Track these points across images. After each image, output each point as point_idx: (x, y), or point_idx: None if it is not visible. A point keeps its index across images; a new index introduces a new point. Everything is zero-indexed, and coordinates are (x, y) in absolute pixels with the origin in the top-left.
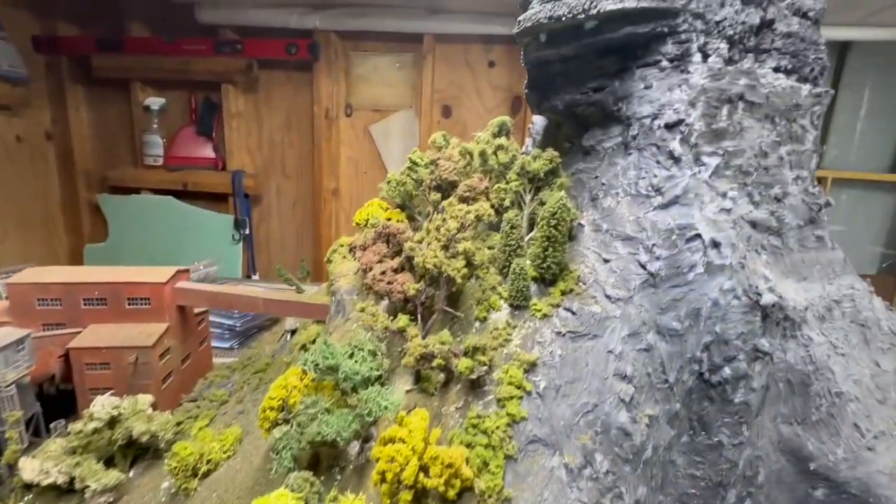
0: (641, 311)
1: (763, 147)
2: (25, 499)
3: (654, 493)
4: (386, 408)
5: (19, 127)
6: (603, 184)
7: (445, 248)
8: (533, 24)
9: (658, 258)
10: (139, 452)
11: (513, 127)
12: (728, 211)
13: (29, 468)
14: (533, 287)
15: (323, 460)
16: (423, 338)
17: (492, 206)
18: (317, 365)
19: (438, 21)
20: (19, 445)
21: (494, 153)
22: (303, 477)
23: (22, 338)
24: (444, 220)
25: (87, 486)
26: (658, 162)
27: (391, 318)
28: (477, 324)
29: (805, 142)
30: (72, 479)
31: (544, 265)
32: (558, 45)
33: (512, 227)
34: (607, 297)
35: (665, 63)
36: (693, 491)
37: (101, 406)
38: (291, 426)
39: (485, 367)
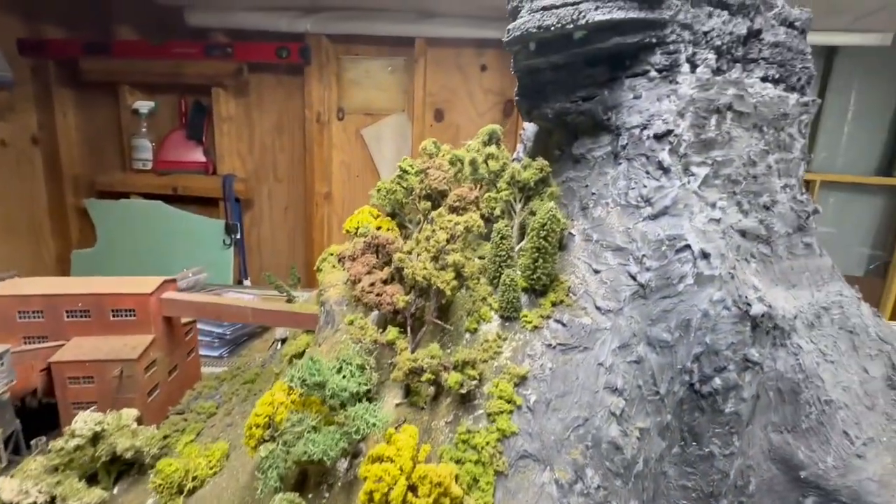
0: (632, 322)
1: (751, 156)
2: None
3: None
4: (374, 425)
5: (4, 131)
6: (593, 193)
7: (435, 259)
8: (522, 34)
9: (648, 269)
10: (124, 468)
11: (504, 134)
12: (717, 221)
13: (8, 488)
14: (523, 298)
15: (311, 477)
16: (413, 351)
17: (482, 216)
18: (303, 381)
19: (430, 25)
20: None
21: (485, 162)
22: (288, 499)
23: (0, 353)
24: (433, 231)
25: None
26: (647, 172)
27: (380, 330)
28: (467, 335)
29: (793, 150)
30: (53, 499)
31: (534, 276)
32: (548, 53)
33: (502, 238)
34: (597, 308)
35: (654, 73)
36: (685, 502)
37: (84, 422)
38: (278, 444)
39: (474, 382)
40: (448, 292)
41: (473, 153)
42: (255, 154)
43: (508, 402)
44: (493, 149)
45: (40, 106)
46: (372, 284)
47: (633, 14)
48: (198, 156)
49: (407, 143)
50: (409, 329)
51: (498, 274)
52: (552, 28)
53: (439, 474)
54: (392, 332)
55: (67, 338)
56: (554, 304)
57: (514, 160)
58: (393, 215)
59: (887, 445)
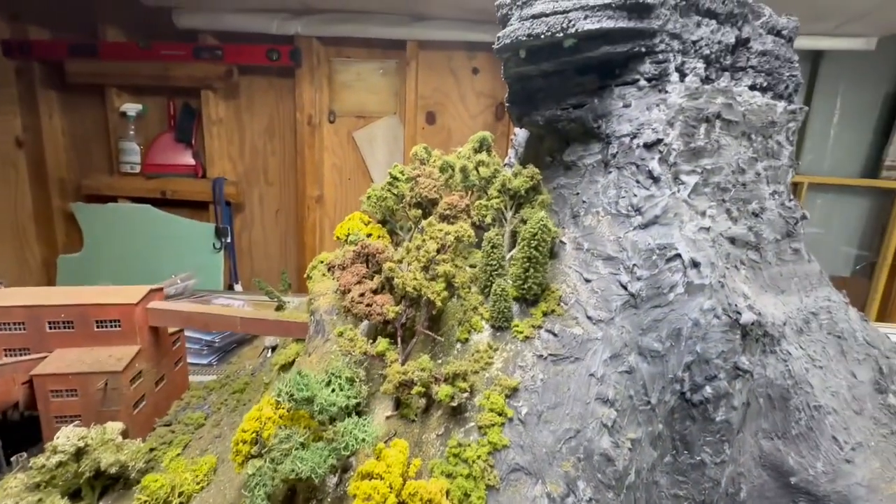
0: (623, 332)
1: (740, 164)
2: None
3: None
4: (363, 440)
5: None
6: (584, 201)
7: (426, 269)
8: (513, 41)
9: (639, 279)
10: (108, 483)
11: (494, 141)
12: (707, 230)
13: None
14: (515, 307)
15: (299, 493)
16: (404, 361)
17: (473, 223)
18: (291, 396)
19: (422, 28)
20: None
21: (475, 168)
22: None
23: None
24: (423, 240)
25: None
26: (637, 181)
27: (370, 340)
28: (458, 346)
29: (781, 157)
30: None
31: (525, 286)
32: (538, 61)
33: (493, 247)
34: (589, 318)
35: (643, 82)
36: None
37: (66, 438)
38: (265, 462)
39: (465, 394)
40: (438, 303)
41: (464, 160)
42: (246, 157)
43: (500, 414)
44: (483, 156)
45: (25, 108)
46: (362, 295)
47: (622, 23)
48: (187, 159)
49: (399, 145)
50: (399, 339)
51: (489, 283)
52: (542, 36)
53: (430, 491)
54: (382, 342)
55: (50, 349)
56: (545, 314)
57: (505, 165)
58: (384, 222)
59: (875, 450)
